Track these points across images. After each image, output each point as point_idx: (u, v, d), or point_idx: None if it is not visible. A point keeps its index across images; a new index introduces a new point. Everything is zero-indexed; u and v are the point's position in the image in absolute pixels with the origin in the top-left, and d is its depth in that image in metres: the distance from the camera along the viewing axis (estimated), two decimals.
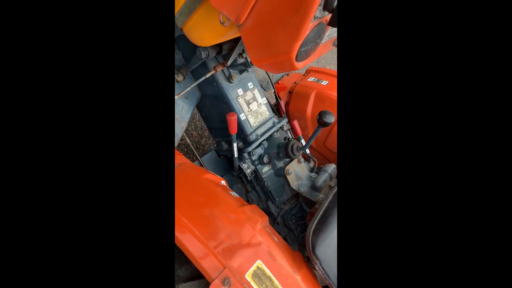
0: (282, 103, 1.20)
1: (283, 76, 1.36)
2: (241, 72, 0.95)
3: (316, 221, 0.76)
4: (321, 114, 0.80)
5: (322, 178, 0.98)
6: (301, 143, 1.10)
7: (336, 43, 0.57)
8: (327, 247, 0.71)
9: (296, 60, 0.48)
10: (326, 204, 0.80)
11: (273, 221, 1.12)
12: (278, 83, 1.33)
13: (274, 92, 1.23)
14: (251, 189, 1.13)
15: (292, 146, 0.96)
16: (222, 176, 1.12)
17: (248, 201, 1.18)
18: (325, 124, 0.80)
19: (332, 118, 0.80)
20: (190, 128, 1.71)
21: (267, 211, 1.11)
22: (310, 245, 0.72)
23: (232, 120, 0.81)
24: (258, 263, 0.66)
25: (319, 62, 2.54)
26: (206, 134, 1.76)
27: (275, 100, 1.28)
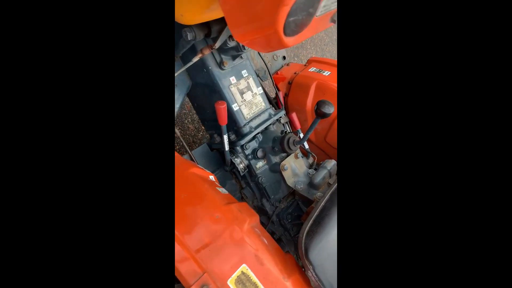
0: (281, 95, 1.12)
1: (282, 66, 1.28)
2: (233, 58, 0.87)
3: (310, 222, 0.69)
4: (319, 104, 0.72)
5: (320, 175, 0.91)
6: (299, 137, 1.02)
7: (336, 18, 0.49)
8: (322, 251, 0.64)
9: (285, 33, 0.40)
10: (322, 204, 0.72)
11: (267, 219, 1.05)
12: (277, 73, 1.25)
13: (272, 82, 1.15)
14: (245, 185, 1.06)
15: (288, 140, 0.89)
16: (214, 171, 1.05)
17: (242, 198, 1.12)
18: (323, 115, 0.73)
19: (331, 109, 0.72)
20: (186, 121, 1.65)
21: (262, 209, 1.05)
22: (303, 249, 0.65)
23: (221, 109, 0.74)
24: (243, 267, 0.59)
25: (324, 54, 2.44)
26: (203, 127, 1.70)
27: (274, 92, 1.20)
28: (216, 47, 0.71)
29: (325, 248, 0.64)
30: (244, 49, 0.80)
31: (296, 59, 2.21)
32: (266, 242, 0.67)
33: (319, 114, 0.73)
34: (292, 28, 0.41)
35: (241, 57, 0.90)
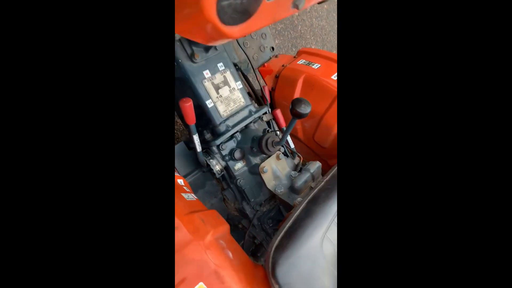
0: (266, 90, 1.04)
1: (270, 58, 1.19)
2: (206, 49, 0.79)
3: (281, 235, 0.62)
4: (295, 103, 0.64)
5: (302, 179, 0.83)
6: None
7: (299, 3, 0.40)
8: (291, 268, 0.58)
9: (224, 21, 0.33)
10: (296, 213, 0.65)
11: (249, 222, 0.99)
12: (263, 66, 1.16)
13: (255, 75, 1.06)
14: (227, 186, 0.99)
15: (266, 141, 0.81)
16: (192, 171, 0.99)
17: (224, 200, 1.06)
18: (299, 116, 0.65)
19: (307, 108, 0.64)
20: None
21: (242, 212, 0.98)
22: (270, 264, 0.59)
23: (185, 107, 0.67)
24: (200, 286, 0.53)
25: (325, 45, 2.32)
26: None
27: (260, 87, 1.12)
28: (176, 38, 0.63)
29: (295, 266, 0.58)
30: None
31: (294, 49, 2.10)
32: (231, 256, 0.61)
33: (295, 114, 0.65)
34: (231, 15, 0.33)
35: (216, 49, 0.81)
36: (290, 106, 0.65)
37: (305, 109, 0.63)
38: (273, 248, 0.60)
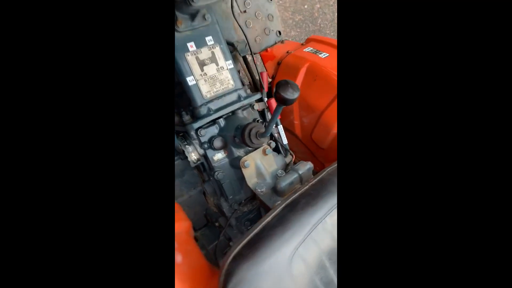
0: (264, 76, 0.92)
1: (276, 43, 1.07)
2: (192, 17, 0.69)
3: (244, 243, 0.51)
4: (279, 86, 0.52)
5: (287, 180, 0.72)
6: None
7: None
8: (247, 285, 0.47)
9: None
10: (267, 219, 0.54)
11: (225, 221, 0.89)
12: (266, 51, 1.04)
13: (252, 58, 0.95)
14: (207, 178, 0.89)
15: (250, 131, 0.70)
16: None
17: (204, 194, 0.96)
18: (283, 101, 0.53)
19: (295, 93, 0.52)
20: None
21: (219, 209, 0.88)
22: (224, 274, 0.48)
23: None
24: None
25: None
26: None
27: (257, 72, 1.00)
28: None
29: (252, 283, 0.47)
30: (193, 1, 0.61)
31: None
32: (179, 260, 0.51)
33: (278, 99, 0.53)
34: None
35: (205, 19, 0.71)
36: (274, 89, 0.53)
37: (291, 94, 0.52)
38: (230, 257, 0.49)
